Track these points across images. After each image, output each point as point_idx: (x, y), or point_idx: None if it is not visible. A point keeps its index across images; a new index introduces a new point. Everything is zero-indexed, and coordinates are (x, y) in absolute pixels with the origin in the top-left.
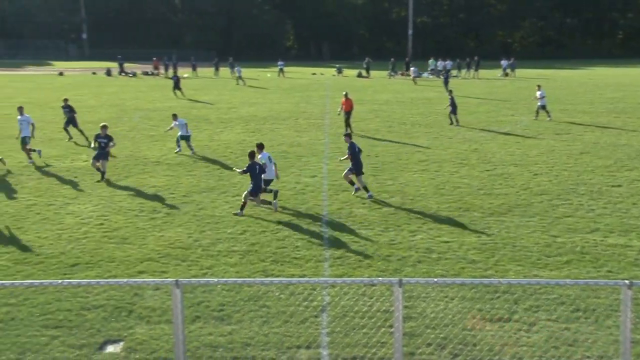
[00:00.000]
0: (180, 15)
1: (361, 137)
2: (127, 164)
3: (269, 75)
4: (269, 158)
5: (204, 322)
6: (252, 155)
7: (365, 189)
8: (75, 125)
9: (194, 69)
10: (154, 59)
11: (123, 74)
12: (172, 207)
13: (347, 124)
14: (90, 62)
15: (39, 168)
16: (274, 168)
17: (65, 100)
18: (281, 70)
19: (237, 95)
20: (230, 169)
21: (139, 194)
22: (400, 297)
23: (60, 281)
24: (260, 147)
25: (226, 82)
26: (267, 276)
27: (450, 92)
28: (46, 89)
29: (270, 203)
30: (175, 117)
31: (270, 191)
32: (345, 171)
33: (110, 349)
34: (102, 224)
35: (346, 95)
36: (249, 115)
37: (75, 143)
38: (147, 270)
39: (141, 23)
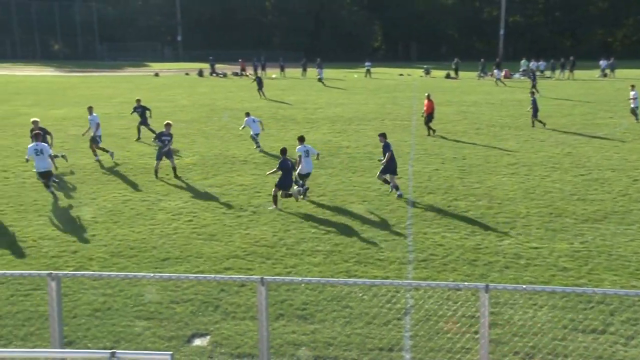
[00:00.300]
0: (270, 17)
1: (448, 140)
2: (216, 162)
3: (355, 76)
4: (306, 152)
5: (287, 320)
6: (284, 151)
7: (396, 187)
8: (146, 125)
9: (282, 69)
10: (240, 60)
11: (214, 74)
12: (258, 205)
13: (428, 126)
14: (184, 63)
15: (109, 167)
16: (311, 161)
17: (138, 100)
18: (368, 71)
19: (324, 96)
20: (316, 168)
21: (227, 192)
22: (487, 303)
23: (152, 274)
24: (301, 139)
25: (313, 82)
26: (350, 277)
27: (532, 93)
28: (143, 89)
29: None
30: (247, 114)
31: (303, 185)
32: (378, 173)
33: (197, 342)
34: (191, 220)
35: (428, 96)
36: (335, 116)
37: (144, 142)
38: (233, 267)
39: (232, 25)
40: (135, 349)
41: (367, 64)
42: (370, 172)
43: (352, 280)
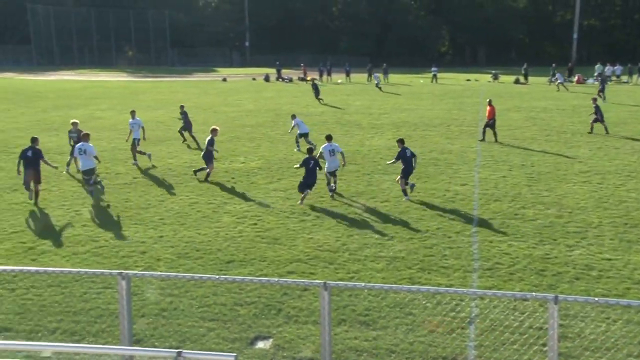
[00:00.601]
0: (337, 22)
1: (515, 147)
2: (281, 166)
3: (421, 81)
4: (331, 150)
5: (350, 325)
6: (310, 150)
7: (404, 192)
8: (189, 130)
9: (348, 75)
10: (302, 65)
11: (280, 79)
12: (321, 210)
13: (493, 132)
14: (251, 69)
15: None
16: (337, 159)
17: (182, 106)
18: (434, 76)
19: (389, 101)
20: (380, 174)
21: (291, 196)
22: (556, 315)
23: (217, 277)
24: (328, 138)
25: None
26: (413, 284)
27: (595, 100)
28: (211, 94)
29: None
30: (293, 116)
31: (329, 183)
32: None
33: (260, 344)
34: (255, 223)
35: (490, 102)
36: (400, 121)
37: (188, 146)
38: (296, 271)
39: (299, 30)
40: (200, 350)
41: (433, 69)
42: (434, 179)
43: (415, 287)
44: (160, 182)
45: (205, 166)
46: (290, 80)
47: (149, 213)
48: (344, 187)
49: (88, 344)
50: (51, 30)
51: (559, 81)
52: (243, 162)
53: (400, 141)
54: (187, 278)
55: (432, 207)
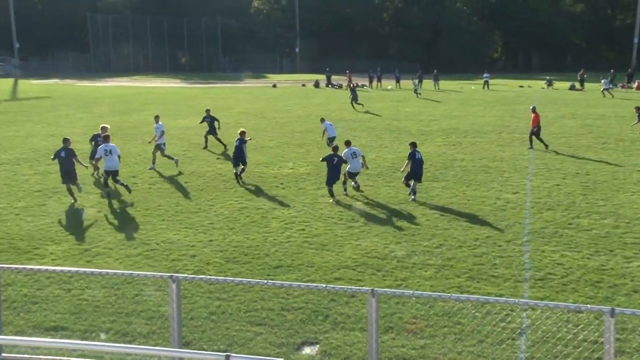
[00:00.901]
0: (387, 28)
1: (570, 155)
2: None
3: (473, 87)
4: (353, 153)
5: (397, 333)
6: (335, 148)
7: (414, 192)
8: (214, 134)
9: (398, 81)
10: (347, 71)
11: (330, 85)
12: (369, 216)
13: (538, 139)
14: (301, 75)
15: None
16: (359, 161)
17: (207, 110)
18: (486, 82)
19: (439, 108)
20: (429, 181)
21: (339, 202)
22: (612, 328)
23: (265, 281)
24: (347, 143)
25: (429, 94)
26: (462, 292)
27: (638, 108)
28: (261, 100)
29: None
30: (322, 120)
31: (356, 182)
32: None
33: (307, 350)
34: (303, 229)
35: (534, 109)
36: (450, 128)
37: (211, 152)
38: (344, 277)
39: (349, 37)
40: (247, 354)
41: (485, 75)
42: (485, 186)
43: (464, 296)
44: (210, 187)
45: (243, 166)
46: (340, 86)
47: (199, 217)
48: (392, 194)
49: (139, 345)
50: (109, 37)
51: (603, 87)
52: (292, 168)
53: (413, 144)
54: (235, 282)
55: (482, 215)
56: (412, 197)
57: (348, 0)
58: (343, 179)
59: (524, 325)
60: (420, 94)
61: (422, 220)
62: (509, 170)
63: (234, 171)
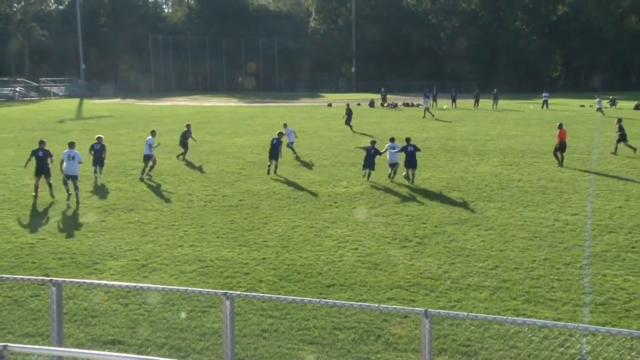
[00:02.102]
0: (444, 47)
1: (634, 177)
2: (384, 191)
3: (531, 107)
4: (392, 147)
5: (450, 356)
6: (373, 142)
7: (408, 178)
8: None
9: (454, 100)
10: (383, 89)
11: (385, 105)
12: (423, 236)
13: (562, 156)
14: (357, 94)
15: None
16: (396, 154)
17: (188, 125)
18: (545, 101)
19: (496, 127)
20: (485, 201)
21: (393, 221)
22: None
23: (317, 300)
24: (391, 139)
25: (486, 113)
26: (518, 315)
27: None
28: (316, 119)
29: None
30: (285, 125)
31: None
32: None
33: None
34: (356, 248)
35: (560, 126)
36: (507, 148)
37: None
38: (396, 297)
39: (406, 56)
40: None
41: (544, 94)
42: (542, 207)
43: (521, 319)
44: (264, 205)
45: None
46: (395, 105)
47: (252, 235)
48: (446, 214)
49: None
50: (169, 58)
51: (598, 106)
52: (346, 187)
53: (407, 140)
54: (288, 300)
55: (540, 236)
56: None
57: (405, 19)
58: (389, 171)
59: (584, 352)
60: (432, 114)
61: (477, 241)
62: (568, 191)
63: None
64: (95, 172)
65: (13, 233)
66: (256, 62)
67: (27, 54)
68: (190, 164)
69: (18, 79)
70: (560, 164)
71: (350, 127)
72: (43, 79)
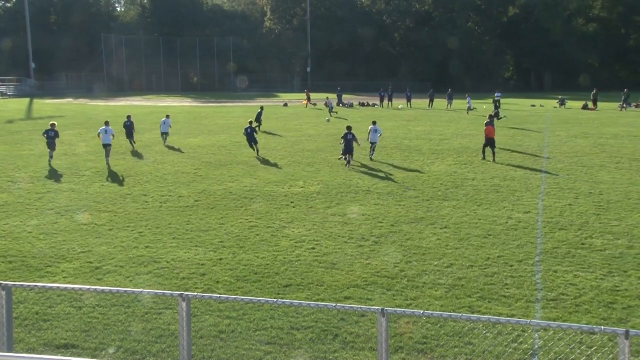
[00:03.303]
0: (398, 48)
1: (582, 175)
2: (340, 191)
3: (484, 106)
4: (374, 129)
5: (407, 353)
6: (349, 128)
7: (349, 163)
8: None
9: (409, 100)
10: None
11: (341, 104)
12: (379, 235)
13: (491, 150)
14: (312, 94)
15: (239, 194)
16: (377, 136)
17: (129, 116)
18: (498, 101)
19: (451, 127)
20: (440, 200)
21: (349, 221)
22: (627, 351)
23: (274, 300)
24: (374, 122)
25: (440, 113)
26: (473, 312)
27: None
28: (272, 119)
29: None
30: (167, 115)
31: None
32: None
33: None
34: (313, 248)
35: (487, 123)
36: (461, 147)
37: (270, 170)
38: (353, 296)
39: (360, 56)
40: None
41: (497, 94)
42: (496, 206)
43: (475, 316)
44: (220, 205)
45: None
46: (351, 105)
47: (209, 235)
48: (402, 213)
49: None
50: (122, 57)
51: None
52: (302, 187)
53: (348, 127)
54: (245, 301)
55: (493, 234)
56: (348, 166)
57: (359, 20)
58: (370, 148)
59: (536, 347)
60: (329, 118)
61: (432, 240)
62: (521, 190)
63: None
64: (50, 156)
65: None
66: (211, 61)
67: None
68: (145, 164)
69: None
70: (493, 159)
71: (258, 126)
72: None
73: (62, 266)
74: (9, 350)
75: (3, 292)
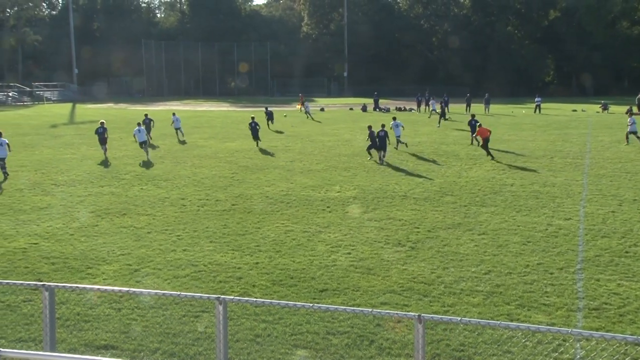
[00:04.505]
0: (436, 52)
1: (627, 181)
2: (376, 196)
3: (524, 111)
4: (395, 125)
5: None
6: (382, 125)
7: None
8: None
9: (446, 105)
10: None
11: (377, 109)
12: (416, 241)
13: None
14: (349, 99)
15: (274, 198)
16: (400, 130)
17: (146, 115)
18: (538, 106)
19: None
20: (478, 206)
21: (386, 226)
22: None
23: (310, 305)
24: (394, 119)
25: (479, 118)
26: (511, 320)
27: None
28: (308, 124)
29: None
30: (146, 116)
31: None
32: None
33: None
34: (349, 253)
35: (479, 125)
36: (500, 152)
37: (306, 175)
38: (390, 302)
39: (397, 61)
40: None
41: (537, 99)
42: (535, 212)
43: (514, 324)
44: (257, 210)
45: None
46: (388, 110)
47: (245, 239)
48: (439, 219)
49: None
50: (162, 62)
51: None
52: (339, 192)
53: (382, 125)
54: (281, 305)
55: (533, 241)
56: (380, 162)
57: (397, 24)
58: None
59: (578, 357)
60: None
61: (470, 246)
62: (561, 196)
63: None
64: (104, 150)
65: (6, 237)
66: (248, 66)
67: (20, 58)
68: (183, 169)
69: (11, 84)
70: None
71: (268, 125)
72: (36, 83)
73: (102, 268)
74: (52, 350)
75: (46, 293)
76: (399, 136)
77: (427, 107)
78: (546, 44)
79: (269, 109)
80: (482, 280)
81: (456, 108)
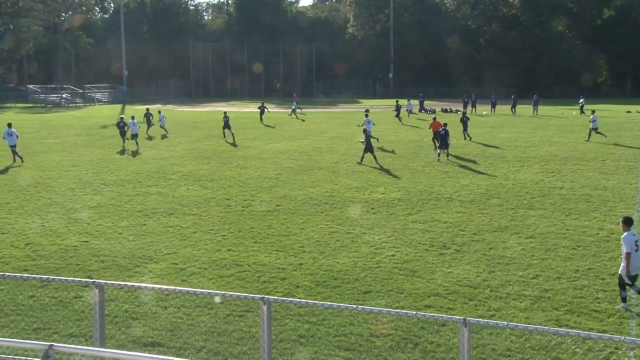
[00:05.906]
0: (483, 53)
1: None
2: (421, 198)
3: (574, 113)
4: (368, 122)
5: None
6: (445, 124)
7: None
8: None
9: (493, 106)
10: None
11: (422, 111)
12: (462, 244)
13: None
14: (394, 100)
15: (318, 199)
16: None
17: (147, 109)
18: (581, 107)
19: (537, 134)
20: (525, 209)
21: (430, 228)
22: None
23: (354, 306)
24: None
25: (527, 120)
26: (560, 326)
27: None
28: (352, 125)
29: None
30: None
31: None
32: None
33: None
34: (393, 255)
35: (434, 118)
36: (549, 155)
37: (350, 177)
38: (434, 305)
39: (444, 61)
40: None
41: (581, 100)
42: (586, 216)
43: (563, 330)
44: (301, 211)
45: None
46: (434, 111)
47: (289, 240)
48: (485, 221)
49: None
50: (208, 64)
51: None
52: (383, 193)
53: (444, 124)
54: (325, 306)
55: (583, 245)
56: (439, 158)
57: (443, 25)
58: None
59: None
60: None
61: (517, 249)
62: (613, 200)
63: None
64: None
65: (58, 235)
66: (293, 68)
67: (73, 61)
68: (228, 169)
69: (64, 86)
70: (436, 151)
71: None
72: (88, 85)
73: (150, 267)
74: (102, 346)
75: (97, 290)
76: (369, 132)
77: (473, 109)
78: (598, 43)
79: (264, 105)
80: (529, 285)
81: (502, 109)
